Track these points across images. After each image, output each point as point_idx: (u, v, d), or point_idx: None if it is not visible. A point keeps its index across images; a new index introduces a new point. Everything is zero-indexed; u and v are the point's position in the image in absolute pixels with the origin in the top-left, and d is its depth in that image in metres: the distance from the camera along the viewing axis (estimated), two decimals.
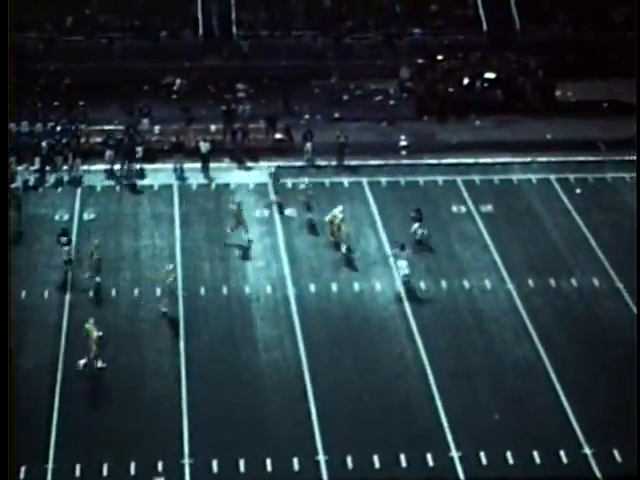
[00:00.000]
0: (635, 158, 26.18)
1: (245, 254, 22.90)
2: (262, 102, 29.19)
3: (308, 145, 26.94)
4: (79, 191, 25.72)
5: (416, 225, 23.27)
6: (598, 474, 17.29)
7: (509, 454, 17.49)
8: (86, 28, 30.96)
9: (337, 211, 23.22)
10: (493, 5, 31.95)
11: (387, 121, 28.95)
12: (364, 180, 26.15)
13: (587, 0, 31.57)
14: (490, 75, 30.06)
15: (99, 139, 27.36)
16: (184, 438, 17.64)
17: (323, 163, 26.86)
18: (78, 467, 17.15)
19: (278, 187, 25.39)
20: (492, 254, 22.95)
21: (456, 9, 32.07)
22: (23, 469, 16.96)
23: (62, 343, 20.03)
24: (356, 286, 21.91)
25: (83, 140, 27.46)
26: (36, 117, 27.70)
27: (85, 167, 26.42)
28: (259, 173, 26.69)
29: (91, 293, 21.42)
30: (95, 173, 26.33)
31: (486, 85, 29.91)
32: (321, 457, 17.36)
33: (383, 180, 26.23)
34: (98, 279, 21.66)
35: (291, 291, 21.56)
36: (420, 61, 30.46)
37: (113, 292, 21.53)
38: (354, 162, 26.87)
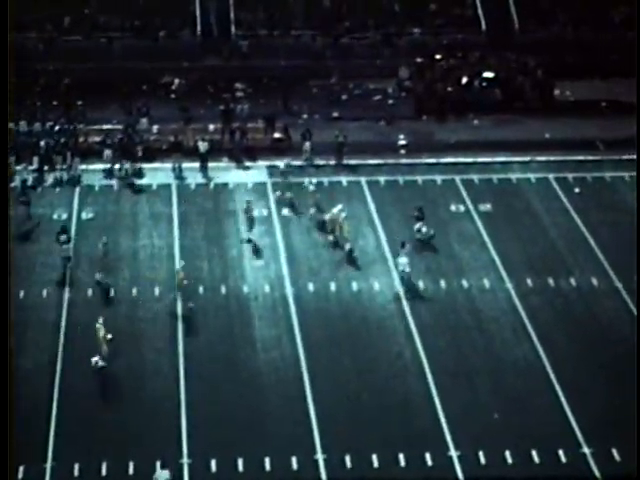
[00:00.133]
0: (634, 157, 26.13)
1: (244, 253, 22.89)
2: (261, 102, 29.15)
3: (307, 144, 26.89)
4: (77, 190, 25.69)
5: (419, 224, 23.21)
6: (597, 473, 17.26)
7: (508, 453, 17.47)
8: (85, 28, 30.92)
9: (336, 210, 23.19)
10: (492, 5, 31.91)
11: (386, 120, 28.90)
12: (363, 179, 26.12)
13: (586, 0, 31.54)
14: (489, 74, 30.02)
15: (98, 138, 27.33)
16: (183, 437, 17.61)
17: (322, 162, 26.81)
18: (77, 466, 17.12)
19: (286, 185, 25.19)
20: (491, 253, 22.91)
21: (455, 9, 32.04)
22: (22, 468, 16.95)
23: (61, 342, 20.01)
24: (355, 285, 21.89)
25: (82, 139, 27.42)
26: (35, 117, 27.66)
27: (84, 166, 26.38)
28: (257, 172, 26.65)
29: (90, 291, 21.38)
30: (94, 172, 26.30)
31: (485, 84, 29.87)
32: (320, 456, 17.33)
33: (382, 179, 26.19)
34: (100, 276, 21.64)
35: (290, 290, 21.54)
36: (419, 60, 30.42)
37: (112, 292, 21.50)
38: (353, 161, 26.84)
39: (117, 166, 26.40)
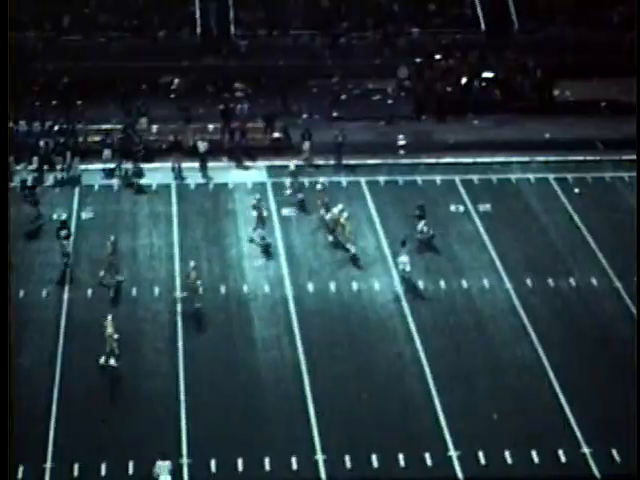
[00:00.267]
0: (634, 157, 26.18)
1: (243, 252, 22.89)
2: (260, 101, 29.16)
3: (306, 144, 26.91)
4: (77, 190, 25.68)
5: (421, 223, 23.16)
6: (597, 473, 17.29)
7: (507, 454, 17.50)
8: (84, 27, 30.92)
9: (337, 210, 23.20)
10: (491, 5, 31.94)
11: (385, 120, 28.91)
12: (362, 180, 26.13)
13: (585, 0, 31.58)
14: (488, 74, 30.05)
15: (97, 138, 27.32)
16: (182, 437, 17.62)
17: (321, 162, 26.81)
18: (76, 466, 17.15)
19: (297, 185, 25.12)
20: (490, 254, 22.94)
21: (454, 8, 32.07)
22: (21, 469, 16.97)
23: (61, 341, 20.03)
24: (354, 286, 21.90)
25: (81, 139, 27.40)
26: (34, 116, 27.61)
27: (83, 166, 26.35)
28: (257, 172, 26.66)
29: (111, 292, 21.31)
30: (93, 172, 26.29)
31: (484, 84, 29.89)
32: (319, 456, 17.33)
33: (381, 179, 26.18)
34: (120, 278, 21.60)
35: (289, 291, 21.54)
36: (418, 60, 30.44)
37: (111, 292, 21.50)
38: (352, 161, 26.84)
39: (117, 166, 26.40)
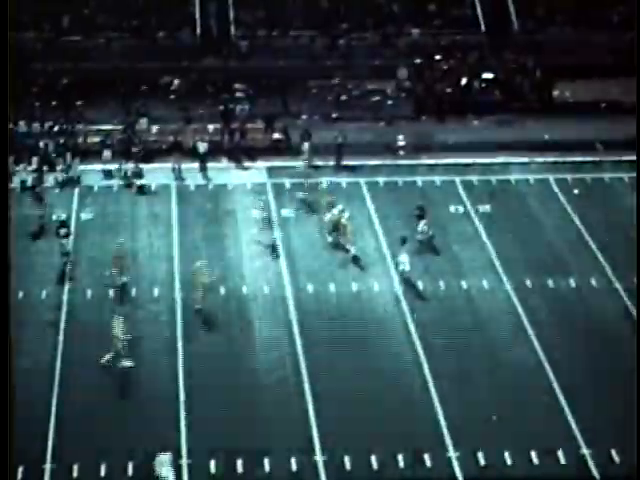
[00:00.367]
0: (634, 158, 26.20)
1: (242, 253, 22.80)
2: (260, 102, 29.20)
3: (305, 145, 26.94)
4: (77, 191, 25.70)
5: (422, 223, 23.08)
6: (596, 474, 17.29)
7: (507, 454, 17.50)
8: (84, 28, 30.96)
9: (337, 211, 23.22)
10: (491, 5, 31.98)
11: (385, 121, 28.95)
12: (362, 180, 26.13)
13: (585, 0, 31.61)
14: (488, 75, 30.08)
15: (97, 139, 27.36)
16: (182, 438, 17.62)
17: (321, 163, 26.79)
18: (76, 467, 17.18)
19: (310, 185, 25.05)
20: (490, 254, 22.95)
21: (454, 9, 32.10)
22: (21, 469, 16.99)
23: (60, 341, 20.04)
24: (354, 286, 21.89)
25: (81, 140, 27.44)
26: (34, 117, 27.68)
27: (83, 167, 26.38)
28: (257, 173, 26.64)
29: (111, 292, 21.27)
30: (93, 173, 26.32)
31: (484, 85, 29.92)
32: (319, 458, 17.33)
33: (381, 180, 26.17)
34: (125, 279, 21.58)
35: (289, 291, 21.52)
36: (418, 61, 30.48)
37: (111, 292, 21.49)
38: (352, 162, 26.84)
39: (116, 167, 26.38)
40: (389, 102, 29.88)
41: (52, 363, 19.33)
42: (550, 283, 22.05)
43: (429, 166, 26.83)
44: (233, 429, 17.89)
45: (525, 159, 27.05)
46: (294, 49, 30.92)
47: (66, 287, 21.57)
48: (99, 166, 26.49)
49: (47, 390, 18.72)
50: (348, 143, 26.97)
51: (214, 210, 24.69)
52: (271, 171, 26.53)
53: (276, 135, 27.78)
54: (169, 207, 24.91)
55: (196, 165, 26.55)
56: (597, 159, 27.10)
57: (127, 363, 19.13)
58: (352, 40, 31.17)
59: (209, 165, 26.68)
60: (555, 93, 30.10)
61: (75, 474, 17.06)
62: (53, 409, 18.30)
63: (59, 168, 26.44)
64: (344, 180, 26.24)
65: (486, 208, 24.78)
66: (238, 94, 29.79)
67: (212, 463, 17.24)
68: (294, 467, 17.28)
